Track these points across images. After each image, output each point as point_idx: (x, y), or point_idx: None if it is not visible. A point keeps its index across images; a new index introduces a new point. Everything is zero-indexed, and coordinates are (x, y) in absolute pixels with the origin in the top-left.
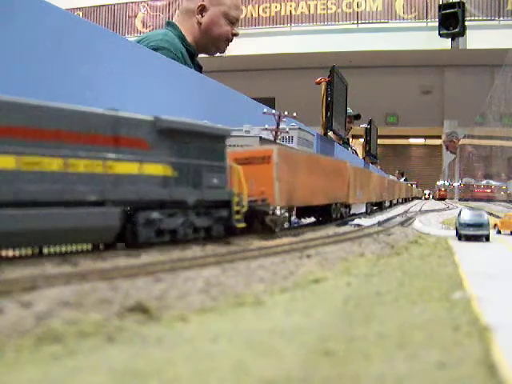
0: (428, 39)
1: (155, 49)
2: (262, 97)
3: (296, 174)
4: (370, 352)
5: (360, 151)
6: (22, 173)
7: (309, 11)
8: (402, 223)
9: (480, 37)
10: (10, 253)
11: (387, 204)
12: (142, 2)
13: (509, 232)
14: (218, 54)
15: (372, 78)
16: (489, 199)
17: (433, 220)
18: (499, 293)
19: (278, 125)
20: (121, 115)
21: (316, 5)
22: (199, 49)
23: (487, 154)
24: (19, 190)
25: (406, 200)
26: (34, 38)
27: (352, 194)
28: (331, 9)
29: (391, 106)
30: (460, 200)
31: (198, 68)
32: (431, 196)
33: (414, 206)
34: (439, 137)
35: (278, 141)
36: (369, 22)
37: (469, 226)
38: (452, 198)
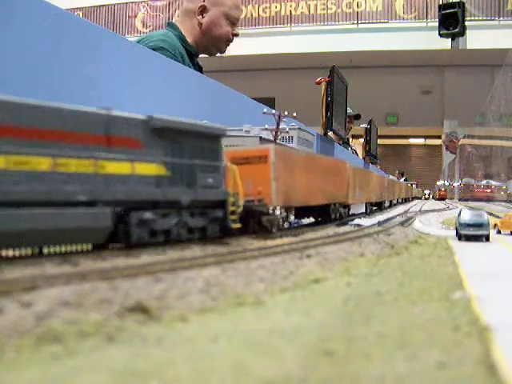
0: (428, 39)
1: (154, 49)
2: (261, 97)
3: (293, 173)
4: (370, 352)
5: (360, 151)
6: (10, 172)
7: (309, 11)
8: (402, 223)
9: (480, 37)
10: (10, 253)
11: (387, 204)
12: (141, 2)
13: (509, 232)
14: (218, 54)
15: (372, 78)
16: (489, 199)
17: (433, 220)
18: (499, 293)
19: (278, 125)
20: (113, 114)
21: (316, 5)
22: (200, 49)
23: (487, 153)
24: (7, 190)
25: (405, 200)
26: (34, 38)
27: (351, 194)
28: (331, 9)
29: (391, 106)
30: (460, 200)
31: (198, 68)
32: (431, 196)
33: (414, 206)
34: (439, 137)
35: (278, 141)
36: (369, 22)
37: (469, 225)
38: (452, 198)
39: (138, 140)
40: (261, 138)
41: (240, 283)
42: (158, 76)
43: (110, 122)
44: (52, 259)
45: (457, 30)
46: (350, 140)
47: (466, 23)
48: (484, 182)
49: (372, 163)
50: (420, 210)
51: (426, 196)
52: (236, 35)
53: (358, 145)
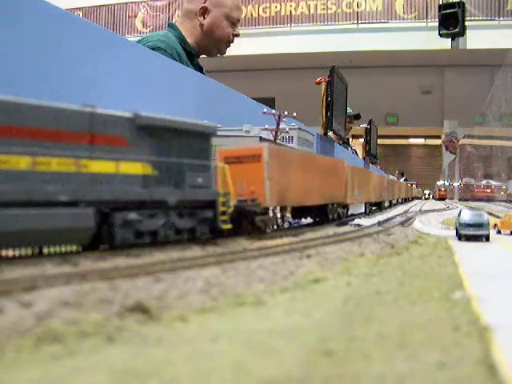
0: (428, 39)
1: (152, 49)
2: (261, 97)
3: (289, 173)
4: (370, 352)
5: (360, 151)
6: None
7: (309, 11)
8: (402, 223)
9: (480, 37)
10: (10, 253)
11: (386, 204)
12: (141, 2)
13: (509, 232)
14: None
15: (372, 77)
16: (489, 199)
17: (433, 220)
18: (499, 293)
19: (278, 125)
20: (97, 112)
21: (316, 5)
22: (200, 50)
23: (487, 153)
24: None
25: (405, 200)
26: (35, 38)
27: (350, 194)
28: (331, 9)
29: (391, 106)
30: (460, 200)
31: (199, 69)
32: (431, 196)
33: (414, 206)
34: (439, 137)
35: (278, 141)
36: (369, 22)
37: (469, 225)
38: (452, 198)
39: (124, 138)
40: (261, 137)
41: (240, 283)
42: (158, 76)
43: (93, 120)
44: (52, 259)
45: (457, 30)
46: (350, 140)
47: (466, 23)
48: (484, 182)
49: (372, 163)
50: (420, 210)
51: (426, 196)
52: (237, 35)
53: (358, 145)
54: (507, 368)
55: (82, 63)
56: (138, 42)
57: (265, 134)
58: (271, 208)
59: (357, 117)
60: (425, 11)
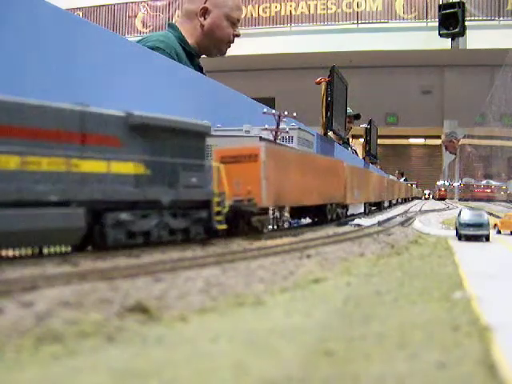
0: (428, 39)
1: (151, 49)
2: (261, 97)
3: (286, 172)
4: (370, 352)
5: (360, 151)
6: None
7: (309, 11)
8: (402, 223)
9: (480, 37)
10: (10, 253)
11: (386, 204)
12: (141, 2)
13: (509, 232)
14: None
15: (372, 77)
16: (489, 199)
17: (433, 220)
18: (499, 293)
19: (278, 125)
20: (89, 110)
21: (316, 5)
22: (201, 50)
23: (487, 153)
24: None
25: (405, 200)
26: (30, 36)
27: (349, 194)
28: (331, 9)
29: (391, 106)
30: (460, 200)
31: (199, 69)
32: (431, 196)
33: (414, 206)
34: (439, 137)
35: (278, 141)
36: (369, 22)
37: (469, 225)
38: (452, 198)
39: (116, 137)
40: (261, 137)
41: (240, 283)
42: (158, 76)
43: (85, 119)
44: (52, 259)
45: (457, 29)
46: (350, 140)
47: (466, 23)
48: (484, 182)
49: (372, 163)
50: (420, 210)
51: (426, 196)
52: (237, 36)
53: (358, 145)
54: (507, 368)
55: (82, 63)
56: (138, 42)
57: (265, 134)
58: (271, 208)
59: (357, 117)
60: (425, 11)
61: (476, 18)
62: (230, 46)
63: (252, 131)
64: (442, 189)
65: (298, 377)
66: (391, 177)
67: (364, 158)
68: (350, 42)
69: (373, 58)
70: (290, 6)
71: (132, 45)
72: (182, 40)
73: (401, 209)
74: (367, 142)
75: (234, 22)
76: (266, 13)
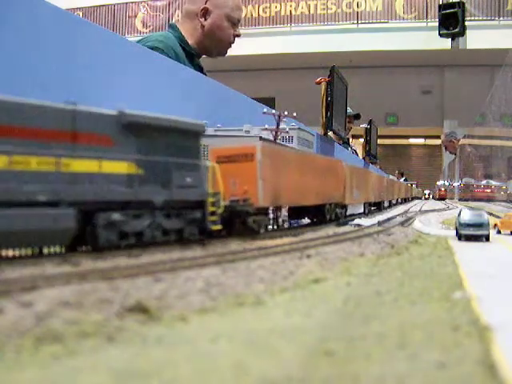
0: (428, 39)
1: (150, 49)
2: (261, 97)
3: (283, 172)
4: (370, 352)
5: (360, 151)
6: None
7: (309, 11)
8: (402, 223)
9: (480, 37)
10: (10, 253)
11: (386, 204)
12: (141, 2)
13: (509, 232)
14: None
15: (372, 77)
16: (489, 199)
17: (433, 220)
18: (499, 293)
19: (278, 125)
20: (79, 109)
21: (316, 5)
22: (201, 50)
23: (487, 153)
24: None
25: (405, 200)
26: (30, 36)
27: (348, 194)
28: (331, 9)
29: (391, 106)
30: (460, 200)
31: (199, 69)
32: (431, 196)
33: (414, 206)
34: (439, 137)
35: (278, 141)
36: (369, 22)
37: (469, 225)
38: (452, 198)
39: (108, 137)
40: (261, 137)
41: (240, 283)
42: (158, 76)
43: (75, 118)
44: (52, 259)
45: (457, 29)
46: (350, 140)
47: (466, 23)
48: (484, 182)
49: (372, 163)
50: (420, 210)
51: (426, 196)
52: (238, 36)
53: (358, 145)
54: (507, 368)
55: (82, 64)
56: (138, 42)
57: (265, 134)
58: (271, 209)
59: (357, 117)
60: (425, 11)
61: (476, 18)
62: (230, 47)
63: (252, 131)
64: (442, 189)
65: (298, 377)
66: (391, 177)
67: (364, 158)
68: (349, 42)
69: (373, 58)
70: (290, 6)
71: (132, 45)
72: (182, 40)
73: (401, 209)
74: (367, 142)
75: (234, 23)
76: (265, 13)
